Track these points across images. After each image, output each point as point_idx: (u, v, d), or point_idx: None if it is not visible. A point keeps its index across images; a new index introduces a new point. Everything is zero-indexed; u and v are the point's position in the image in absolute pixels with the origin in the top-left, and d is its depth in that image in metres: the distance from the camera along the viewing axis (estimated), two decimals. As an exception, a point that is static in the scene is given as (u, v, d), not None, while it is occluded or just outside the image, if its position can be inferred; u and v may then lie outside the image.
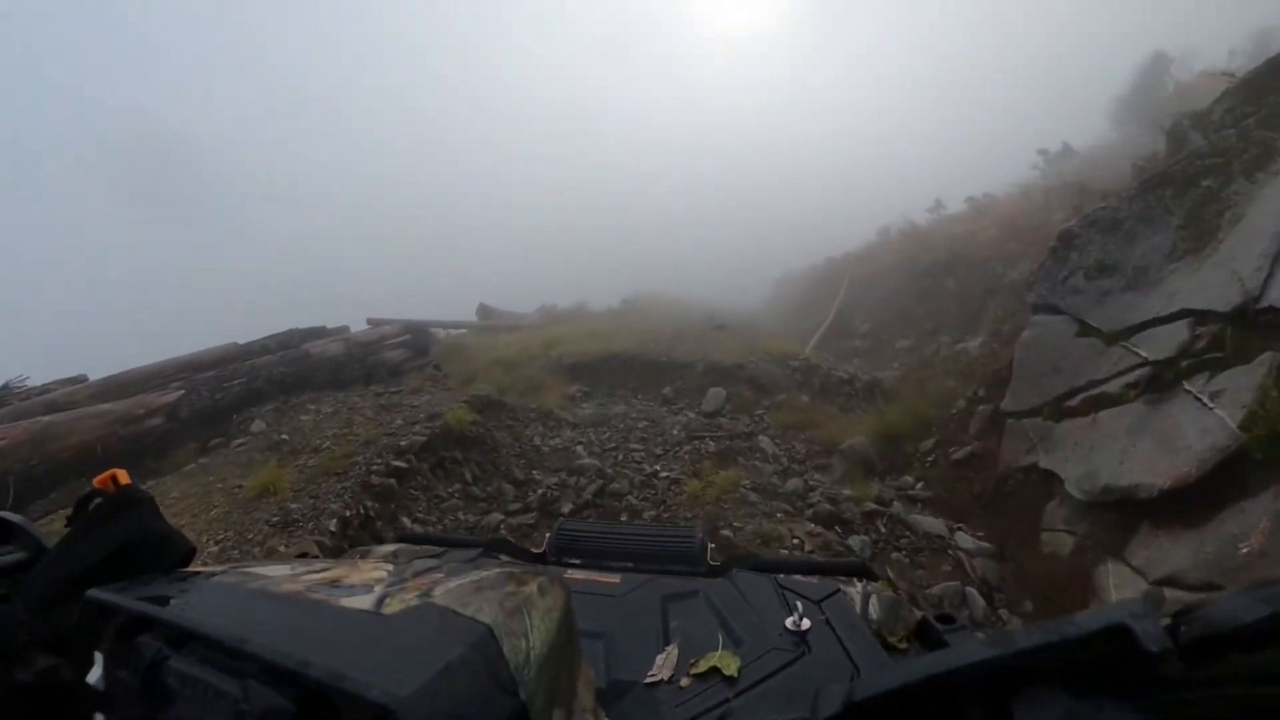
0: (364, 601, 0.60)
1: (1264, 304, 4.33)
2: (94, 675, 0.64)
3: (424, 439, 6.65)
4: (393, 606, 0.59)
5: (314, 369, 9.45)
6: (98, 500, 0.80)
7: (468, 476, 6.63)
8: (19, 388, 9.32)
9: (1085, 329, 5.61)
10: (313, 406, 8.45)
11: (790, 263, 24.89)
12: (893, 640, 0.95)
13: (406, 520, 5.66)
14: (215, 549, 4.98)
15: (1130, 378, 4.95)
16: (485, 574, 0.68)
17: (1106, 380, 5.15)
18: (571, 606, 0.69)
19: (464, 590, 0.63)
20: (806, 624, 0.94)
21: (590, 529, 1.49)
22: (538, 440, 7.73)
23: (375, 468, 6.02)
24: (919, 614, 1.02)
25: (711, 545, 1.46)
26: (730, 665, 0.85)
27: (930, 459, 7.13)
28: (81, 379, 9.83)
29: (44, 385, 9.67)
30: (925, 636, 0.96)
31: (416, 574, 0.68)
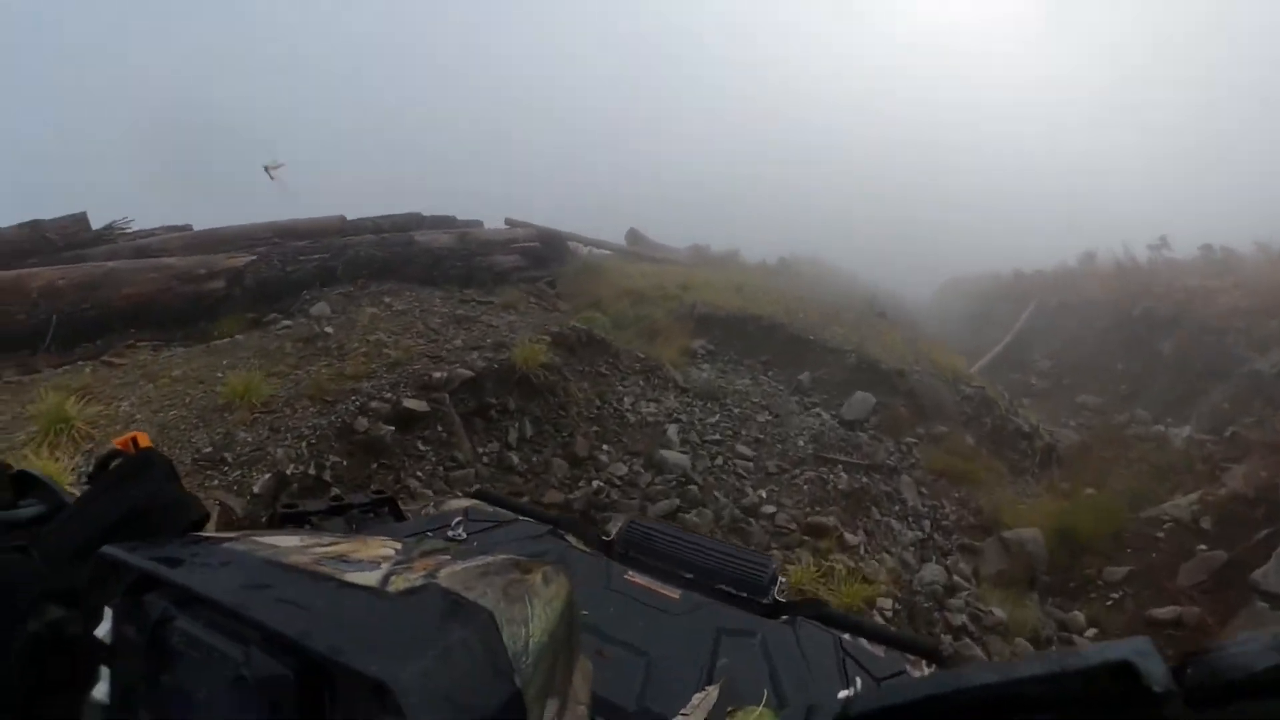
0: (370, 578, 0.59)
1: None
2: (102, 629, 0.63)
3: (470, 375, 5.50)
4: (397, 585, 0.58)
5: (410, 258, 8.50)
6: (117, 460, 0.81)
7: (511, 437, 5.45)
8: (122, 229, 9.16)
9: None
10: (387, 299, 7.53)
11: (966, 265, 22.48)
12: None
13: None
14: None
15: None
16: (491, 559, 0.67)
17: None
18: (574, 598, 0.69)
19: (469, 574, 0.62)
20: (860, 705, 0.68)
21: (664, 531, 1.46)
22: (628, 401, 6.47)
23: (376, 405, 4.88)
24: None
25: (782, 579, 1.38)
26: None
27: (1116, 596, 5.41)
28: (186, 229, 9.56)
29: (149, 230, 9.42)
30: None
31: (424, 554, 0.65)
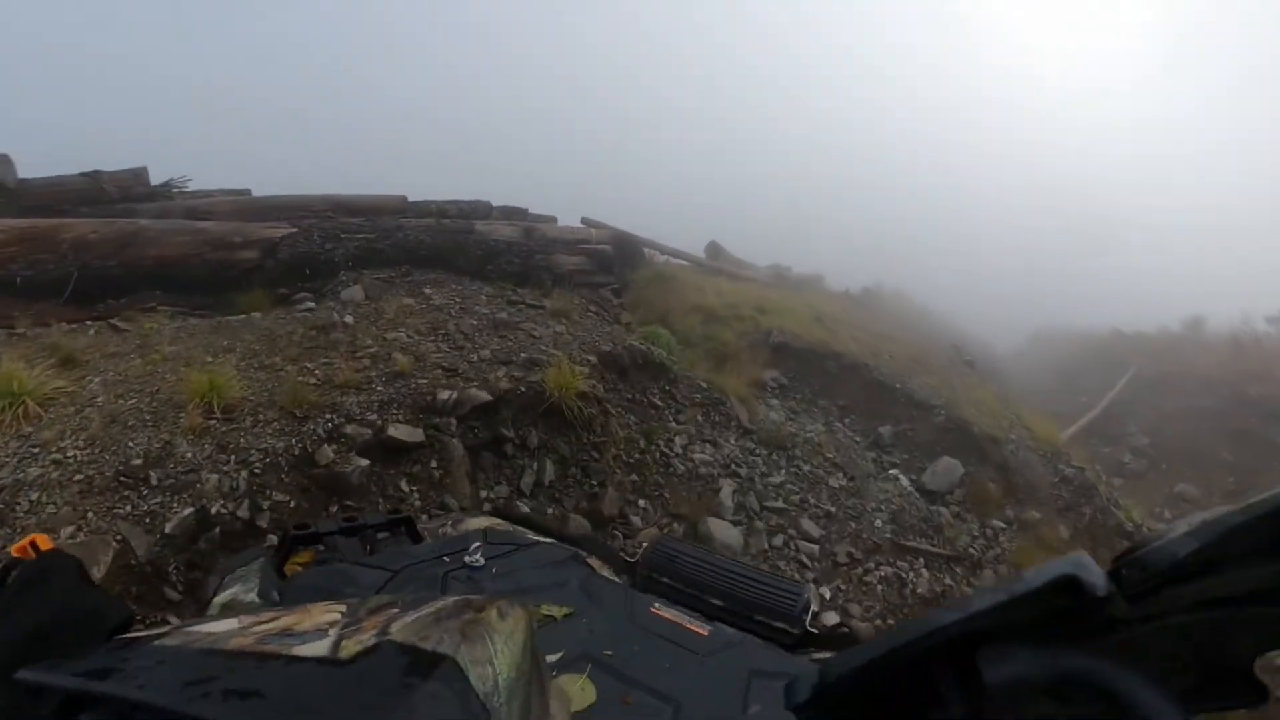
0: (319, 648, 0.56)
1: None
2: None
3: (487, 398, 4.64)
4: (349, 649, 0.56)
5: (463, 248, 7.81)
6: (15, 573, 0.73)
7: (526, 480, 4.58)
8: (179, 188, 8.84)
9: None
10: (428, 290, 6.84)
11: (1058, 316, 21.20)
12: None
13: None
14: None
15: None
16: (442, 604, 0.65)
17: None
18: (533, 627, 0.68)
19: (422, 623, 0.60)
20: None
21: (690, 554, 1.41)
22: (678, 444, 5.62)
23: (353, 429, 4.10)
24: None
25: (815, 609, 1.35)
26: None
27: None
28: (244, 193, 9.12)
29: (207, 191, 9.03)
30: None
31: (371, 612, 0.63)
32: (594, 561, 1.39)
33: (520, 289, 7.49)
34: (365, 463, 4.02)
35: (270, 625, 0.62)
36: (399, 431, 4.23)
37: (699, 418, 6.00)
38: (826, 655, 1.11)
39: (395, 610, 0.63)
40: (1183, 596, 0.44)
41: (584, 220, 11.07)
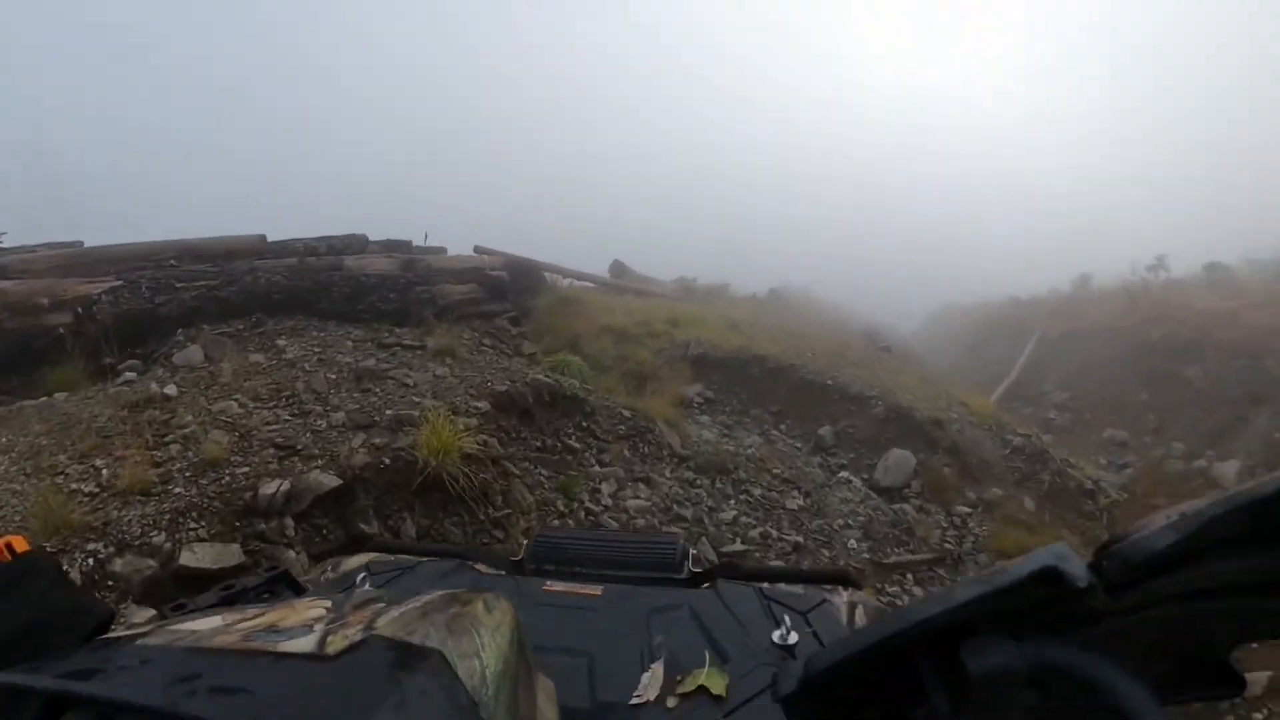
0: (305, 644, 0.56)
1: None
2: None
3: (334, 484, 3.53)
4: (336, 644, 0.56)
5: (328, 287, 6.73)
6: None
7: None
8: None
9: None
10: (282, 341, 5.76)
11: (956, 292, 21.86)
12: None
13: None
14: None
15: None
16: (428, 598, 0.65)
17: None
18: (518, 620, 0.69)
19: (408, 617, 0.60)
20: (794, 638, 0.92)
21: (571, 536, 1.46)
22: (605, 492, 4.71)
23: (132, 557, 2.95)
24: None
25: (693, 551, 1.39)
26: (717, 684, 0.83)
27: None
28: (77, 244, 7.86)
29: (25, 246, 7.75)
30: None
31: (356, 607, 0.63)
32: (481, 566, 1.40)
33: (398, 328, 6.49)
34: (147, 614, 2.74)
35: (255, 622, 0.62)
36: (200, 555, 3.00)
37: (626, 452, 5.26)
38: (709, 584, 1.15)
39: (381, 605, 0.62)
40: (1163, 588, 0.44)
41: (476, 249, 10.26)
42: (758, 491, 5.30)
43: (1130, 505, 7.71)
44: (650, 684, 0.87)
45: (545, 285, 10.07)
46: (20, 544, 0.74)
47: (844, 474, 6.17)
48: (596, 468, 4.95)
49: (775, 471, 5.71)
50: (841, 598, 1.12)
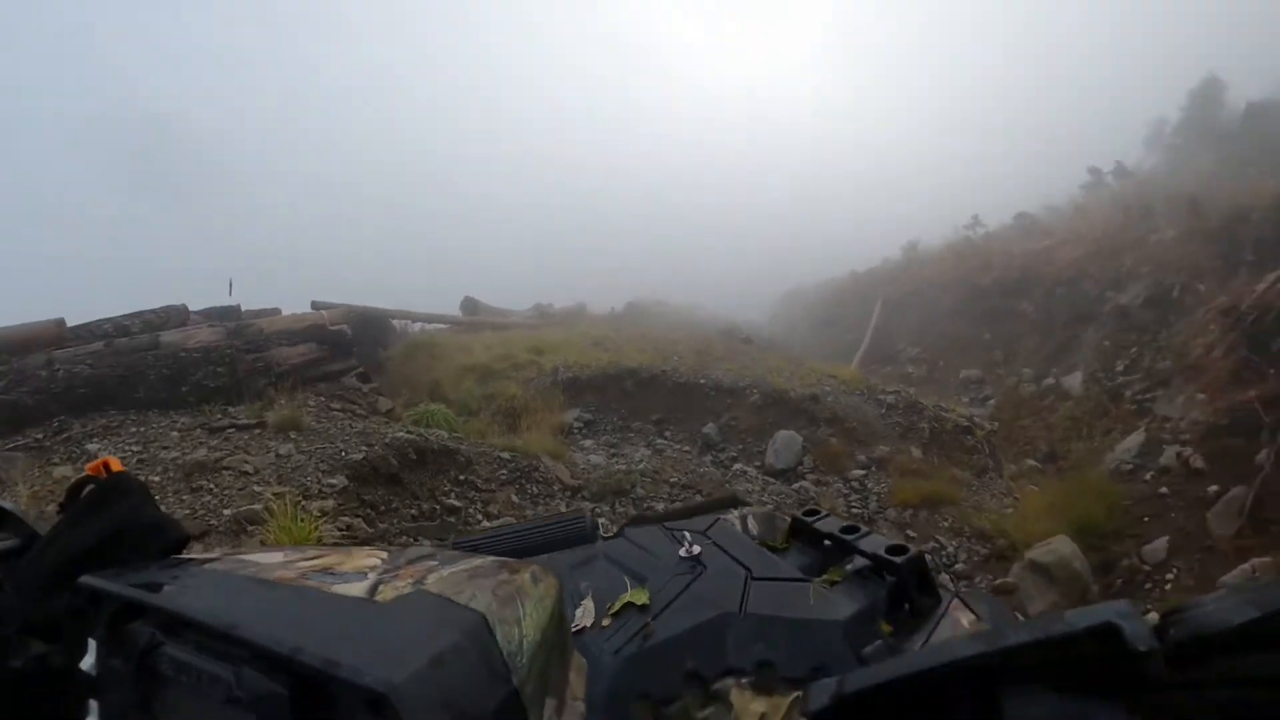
0: (357, 589, 0.59)
1: None
2: (88, 662, 0.63)
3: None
4: (386, 594, 0.58)
5: (143, 371, 5.83)
6: (89, 487, 0.78)
7: None
8: None
9: None
10: (94, 445, 4.95)
11: (799, 276, 22.83)
12: (773, 544, 1.01)
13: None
14: None
15: None
16: (479, 562, 0.67)
17: None
18: (563, 596, 0.71)
19: (457, 578, 0.62)
20: (697, 549, 0.96)
21: (485, 536, 1.31)
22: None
23: None
24: (789, 518, 1.05)
25: (602, 521, 1.56)
26: (641, 597, 0.88)
27: (1171, 576, 4.58)
28: None
29: None
30: (799, 534, 1.01)
31: (410, 561, 0.65)
32: None
33: (230, 407, 5.71)
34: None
35: (313, 562, 0.64)
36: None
37: (514, 497, 4.85)
38: (617, 532, 1.15)
39: (434, 563, 0.65)
40: (1230, 668, 0.41)
41: (314, 304, 9.49)
42: (660, 505, 5.05)
43: (1003, 431, 8.12)
44: (584, 615, 0.90)
45: (394, 334, 9.52)
46: (116, 464, 0.79)
47: (738, 466, 6.07)
48: (485, 521, 4.50)
49: (672, 480, 5.51)
50: (733, 515, 1.16)
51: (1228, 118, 15.10)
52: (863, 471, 5.90)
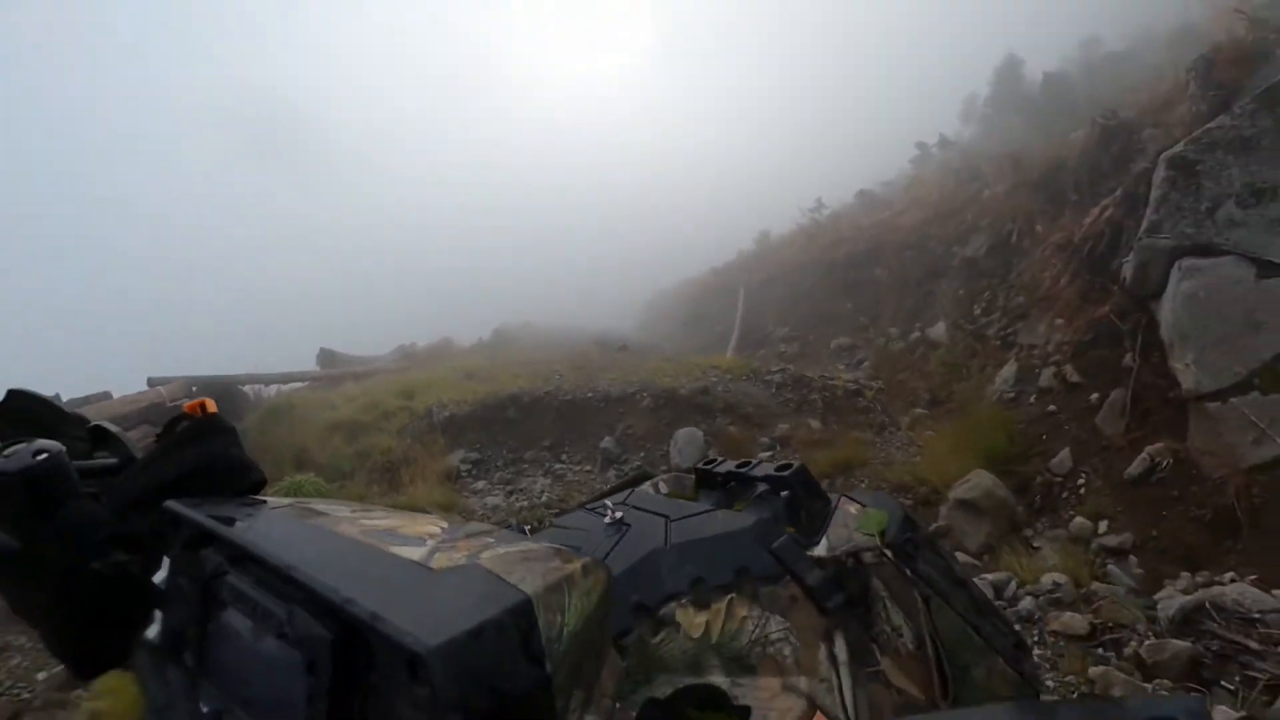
0: (415, 553, 0.61)
1: None
2: (159, 576, 0.69)
3: None
4: (441, 562, 0.60)
5: None
6: (185, 423, 0.84)
7: None
8: None
9: (1269, 269, 4.55)
10: None
11: (661, 279, 23.08)
12: (684, 497, 1.13)
13: None
14: None
15: None
16: (534, 546, 0.68)
17: None
18: (611, 592, 0.70)
19: (511, 558, 0.63)
20: (619, 514, 1.04)
21: None
22: None
23: None
24: (695, 471, 1.20)
25: (527, 528, 1.49)
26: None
27: (1082, 483, 4.96)
28: None
29: None
30: (704, 482, 1.14)
31: (469, 536, 0.67)
32: None
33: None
34: None
35: (378, 522, 0.67)
36: None
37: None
38: None
39: (490, 540, 0.66)
40: None
41: (150, 381, 8.41)
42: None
43: (885, 387, 8.24)
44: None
45: (247, 401, 8.62)
46: (212, 406, 0.85)
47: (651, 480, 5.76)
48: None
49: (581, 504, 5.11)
50: (646, 485, 1.25)
51: (1028, 88, 16.29)
52: (768, 453, 5.76)
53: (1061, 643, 3.46)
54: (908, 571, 0.97)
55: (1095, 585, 3.90)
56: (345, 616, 0.50)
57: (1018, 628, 3.44)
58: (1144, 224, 5.10)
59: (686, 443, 5.90)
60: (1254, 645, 3.18)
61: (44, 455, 0.71)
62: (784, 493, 0.97)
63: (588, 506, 1.20)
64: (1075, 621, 3.52)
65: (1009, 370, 6.75)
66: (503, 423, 6.96)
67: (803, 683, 0.83)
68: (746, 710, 0.80)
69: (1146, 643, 3.27)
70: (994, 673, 1.06)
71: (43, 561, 0.70)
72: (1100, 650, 3.39)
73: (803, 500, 0.97)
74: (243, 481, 0.82)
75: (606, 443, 6.36)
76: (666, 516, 0.98)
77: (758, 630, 0.84)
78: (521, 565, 0.60)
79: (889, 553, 0.95)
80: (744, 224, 21.47)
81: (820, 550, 0.94)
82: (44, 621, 0.72)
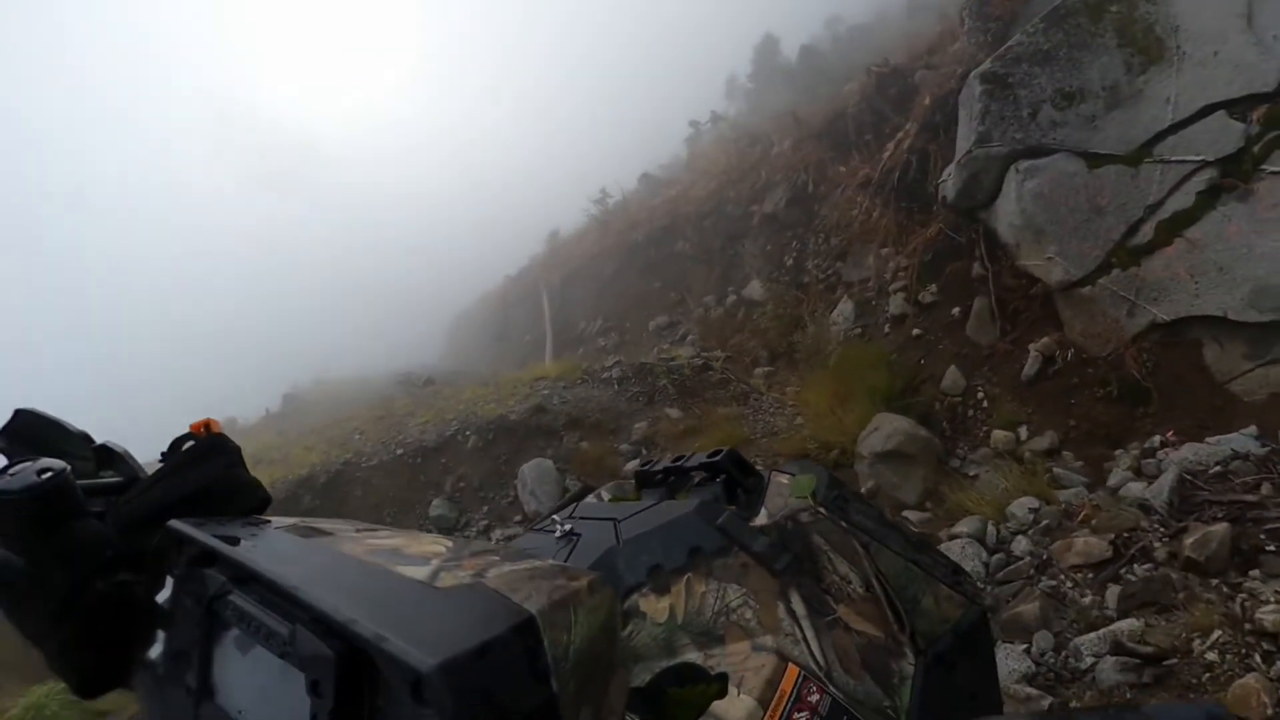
0: (420, 572, 0.58)
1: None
2: (163, 596, 0.69)
3: None
4: (446, 581, 0.58)
5: None
6: (190, 443, 0.84)
7: None
8: None
9: (1096, 159, 4.90)
10: None
11: (457, 301, 21.97)
12: (627, 498, 1.16)
13: None
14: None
15: (1197, 185, 4.55)
16: (539, 564, 0.65)
17: (1166, 198, 4.63)
18: (618, 609, 0.71)
19: (517, 576, 0.60)
20: (569, 525, 1.06)
21: None
22: None
23: None
24: (634, 475, 1.22)
25: None
26: None
27: (981, 400, 4.93)
28: None
29: None
30: (645, 483, 1.16)
31: (473, 554, 0.65)
32: None
33: None
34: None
35: (382, 541, 0.66)
36: None
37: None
38: None
39: (495, 558, 0.65)
40: None
41: None
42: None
43: (730, 362, 7.77)
44: None
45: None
46: (216, 426, 0.86)
47: (496, 533, 4.67)
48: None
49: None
50: (589, 497, 1.28)
51: (786, 62, 17.07)
52: (634, 461, 4.87)
53: (1086, 575, 3.07)
54: (843, 523, 1.02)
55: (1061, 494, 3.81)
56: (349, 636, 0.49)
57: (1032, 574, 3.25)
58: (970, 138, 5.22)
59: (536, 479, 4.88)
60: (1251, 499, 3.23)
61: (49, 474, 0.70)
62: (720, 476, 1.04)
63: (535, 527, 1.21)
64: (1094, 546, 3.23)
65: (845, 308, 6.78)
66: (301, 514, 5.53)
67: (769, 640, 0.87)
68: (723, 676, 0.84)
69: (1189, 540, 3.07)
70: (941, 598, 1.08)
71: (46, 581, 0.69)
72: (1131, 569, 3.14)
73: (738, 479, 1.04)
74: (247, 501, 0.82)
75: (436, 506, 5.17)
76: (615, 519, 1.02)
77: (718, 602, 0.88)
78: (527, 583, 0.59)
79: (823, 510, 1.00)
80: (533, 227, 20.85)
81: (761, 520, 1.01)
82: (46, 640, 0.70)
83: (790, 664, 0.85)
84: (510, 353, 15.29)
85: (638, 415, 5.50)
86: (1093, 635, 2.84)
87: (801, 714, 0.83)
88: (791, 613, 0.90)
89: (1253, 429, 3.78)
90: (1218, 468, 3.51)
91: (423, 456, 5.61)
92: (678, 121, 19.26)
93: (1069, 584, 3.17)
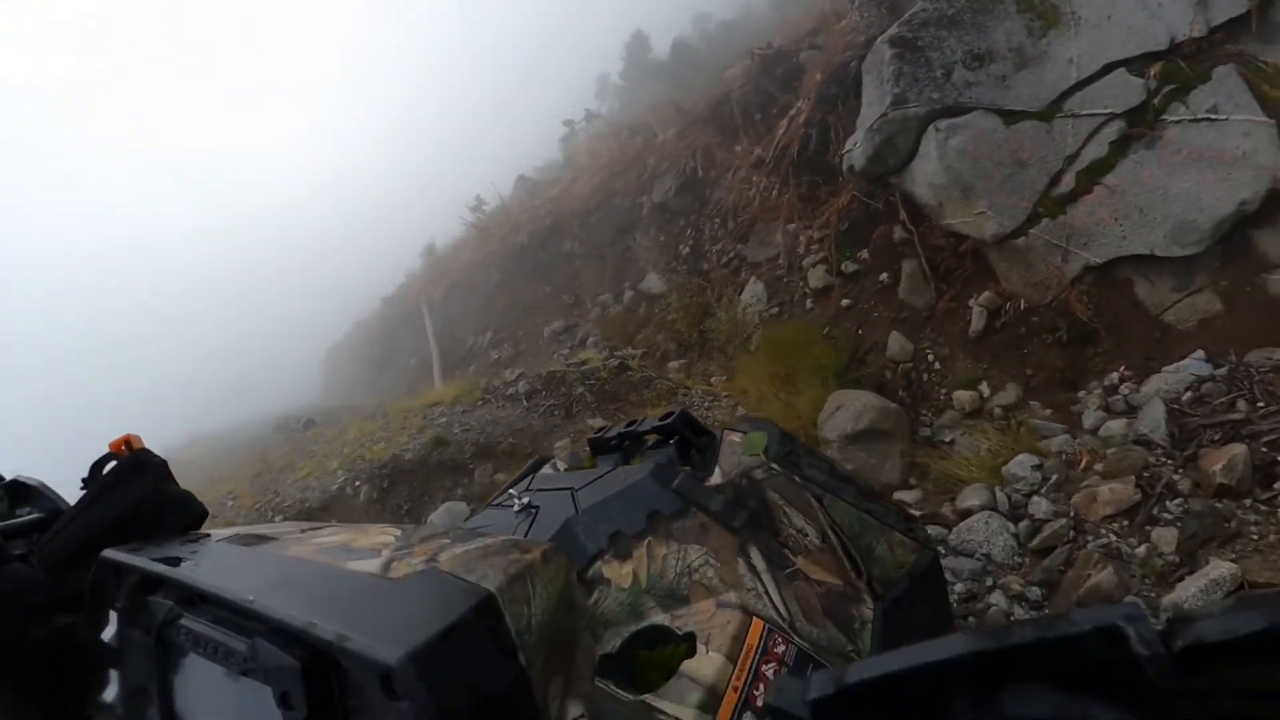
0: (371, 565, 0.61)
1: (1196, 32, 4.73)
2: (109, 633, 0.68)
3: None
4: (399, 570, 0.60)
5: None
6: (112, 464, 0.82)
7: None
8: None
9: (1012, 115, 5.01)
10: None
11: (330, 332, 20.75)
12: (583, 466, 1.22)
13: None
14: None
15: (1108, 135, 4.73)
16: (490, 541, 0.68)
17: (1082, 149, 4.79)
18: (574, 578, 0.71)
19: (469, 556, 0.63)
20: (527, 499, 1.12)
21: None
22: None
23: None
24: (588, 443, 1.28)
25: None
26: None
27: (934, 363, 4.89)
28: None
29: None
30: (599, 450, 1.24)
31: (424, 539, 0.68)
32: None
33: None
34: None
35: (328, 539, 0.68)
36: None
37: None
38: None
39: (446, 541, 0.66)
40: (1236, 679, 0.39)
41: None
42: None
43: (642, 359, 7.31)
44: None
45: None
46: (138, 442, 0.84)
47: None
48: None
49: None
50: (545, 468, 1.38)
51: (657, 59, 17.24)
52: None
53: (1122, 524, 2.96)
54: (796, 478, 1.06)
55: (1047, 445, 3.77)
56: (311, 641, 0.49)
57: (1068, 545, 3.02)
58: (885, 100, 5.16)
59: (446, 521, 4.14)
60: (1237, 416, 3.29)
61: None
62: (673, 438, 1.09)
63: (492, 503, 1.26)
64: (1120, 492, 3.10)
65: (755, 289, 6.64)
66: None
67: (733, 596, 0.89)
68: (691, 635, 0.86)
69: (1216, 466, 3.03)
70: (894, 545, 1.11)
71: None
72: (1164, 506, 3.04)
73: (691, 440, 1.09)
74: (182, 518, 0.83)
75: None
76: (571, 488, 1.07)
77: (680, 563, 0.91)
78: (481, 562, 0.61)
79: (775, 465, 1.04)
80: (407, 242, 20.15)
81: (716, 479, 1.05)
82: None
83: (755, 618, 0.89)
84: (396, 380, 14.60)
85: (556, 432, 4.88)
86: (1190, 589, 2.57)
87: (769, 665, 0.85)
88: (752, 568, 0.95)
89: (1199, 353, 3.94)
90: (1189, 393, 3.60)
91: (306, 519, 4.74)
92: (550, 122, 19.07)
93: (1112, 537, 2.97)
